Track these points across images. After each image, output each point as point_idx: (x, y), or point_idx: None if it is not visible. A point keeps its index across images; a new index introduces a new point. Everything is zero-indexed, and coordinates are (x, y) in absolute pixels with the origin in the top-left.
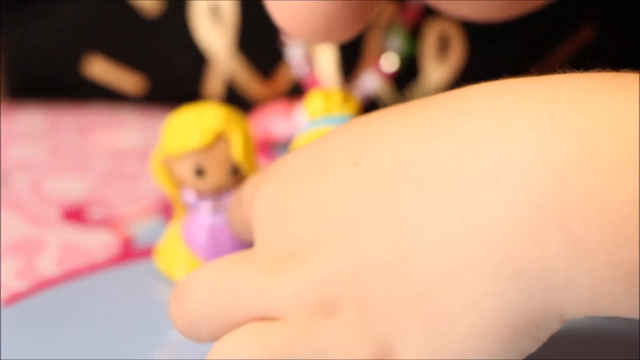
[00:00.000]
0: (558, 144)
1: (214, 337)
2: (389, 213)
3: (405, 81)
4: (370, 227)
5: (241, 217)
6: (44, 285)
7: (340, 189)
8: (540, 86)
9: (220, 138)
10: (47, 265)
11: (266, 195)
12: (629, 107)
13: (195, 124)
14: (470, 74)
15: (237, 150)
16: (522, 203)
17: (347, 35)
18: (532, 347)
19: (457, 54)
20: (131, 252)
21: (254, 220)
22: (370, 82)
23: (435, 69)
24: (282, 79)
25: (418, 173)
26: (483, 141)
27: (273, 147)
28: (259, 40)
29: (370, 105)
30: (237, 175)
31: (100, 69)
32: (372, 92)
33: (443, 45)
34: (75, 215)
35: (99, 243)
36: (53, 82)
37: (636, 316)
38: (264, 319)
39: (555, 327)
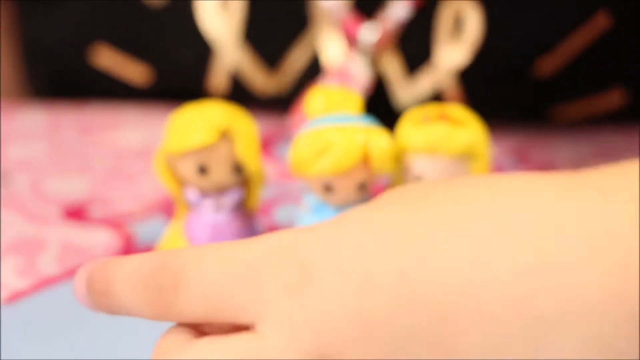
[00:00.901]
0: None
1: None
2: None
3: (418, 63)
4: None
5: None
6: (44, 284)
7: (386, 303)
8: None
9: (223, 136)
10: (48, 264)
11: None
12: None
13: (199, 122)
14: (484, 56)
15: (240, 148)
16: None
17: None
18: None
19: (471, 35)
20: (132, 251)
21: None
22: (399, 10)
23: (450, 49)
24: (288, 71)
25: (475, 302)
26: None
27: (275, 146)
28: (265, 31)
29: (379, 85)
30: (240, 174)
31: (106, 59)
32: (402, 20)
33: (458, 25)
34: (76, 214)
35: (100, 242)
36: (59, 78)
37: None
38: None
39: None
